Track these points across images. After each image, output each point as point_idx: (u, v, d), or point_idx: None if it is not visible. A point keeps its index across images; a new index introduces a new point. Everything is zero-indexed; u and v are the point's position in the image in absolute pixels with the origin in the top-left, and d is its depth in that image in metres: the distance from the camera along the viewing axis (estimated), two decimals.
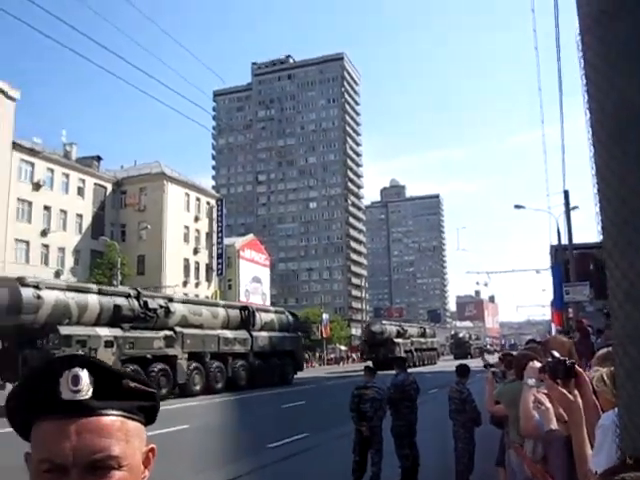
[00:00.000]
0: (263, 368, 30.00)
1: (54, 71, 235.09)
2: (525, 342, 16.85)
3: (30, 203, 55.85)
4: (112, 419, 1.00)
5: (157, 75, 16.66)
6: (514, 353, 8.05)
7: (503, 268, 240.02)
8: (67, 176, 60.04)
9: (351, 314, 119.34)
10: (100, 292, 23.02)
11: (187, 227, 68.07)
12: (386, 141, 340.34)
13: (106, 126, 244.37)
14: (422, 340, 62.55)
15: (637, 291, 1.15)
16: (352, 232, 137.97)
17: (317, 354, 73.69)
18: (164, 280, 60.13)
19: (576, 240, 28.10)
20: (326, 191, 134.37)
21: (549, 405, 3.24)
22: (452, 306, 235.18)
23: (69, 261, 58.29)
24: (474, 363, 27.49)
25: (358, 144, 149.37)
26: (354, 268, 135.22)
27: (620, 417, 1.22)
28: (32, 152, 56.50)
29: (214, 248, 71.92)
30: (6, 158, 53.82)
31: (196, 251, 68.81)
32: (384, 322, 58.57)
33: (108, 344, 21.88)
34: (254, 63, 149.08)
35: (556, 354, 2.47)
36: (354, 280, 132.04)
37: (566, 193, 26.30)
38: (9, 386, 19.23)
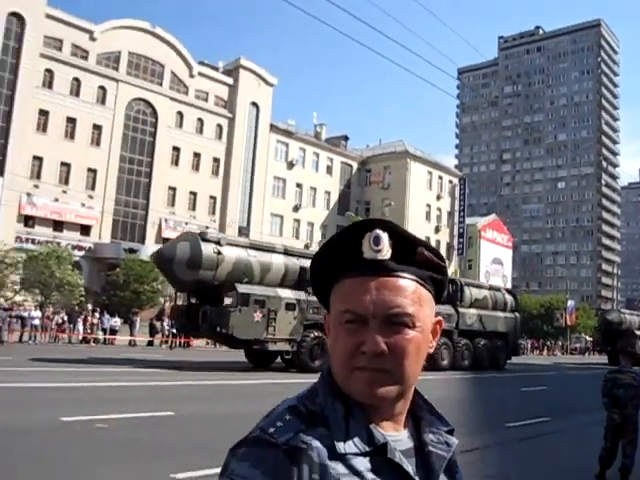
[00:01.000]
0: (469, 348, 27.74)
1: (308, 56, 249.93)
2: None
3: (284, 180, 60.51)
4: (407, 282, 1.05)
5: (400, 56, 16.81)
6: None
7: None
8: (317, 155, 63.76)
9: (600, 303, 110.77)
10: (286, 253, 21.87)
11: (429, 205, 68.45)
12: None
13: (353, 107, 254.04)
14: None
15: None
16: (605, 215, 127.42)
17: (560, 342, 69.75)
18: None
19: None
20: (577, 170, 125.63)
21: None
22: None
23: (317, 235, 62.05)
24: None
25: (615, 119, 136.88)
26: (605, 254, 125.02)
27: None
28: (287, 133, 60.98)
29: (455, 227, 71.46)
30: (265, 139, 58.79)
31: (437, 229, 68.98)
32: (624, 311, 53.06)
33: (289, 307, 20.76)
34: (500, 37, 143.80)
35: None
36: (605, 267, 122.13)
37: None
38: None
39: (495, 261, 78.13)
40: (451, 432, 1.12)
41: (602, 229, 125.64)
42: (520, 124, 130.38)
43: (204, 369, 19.78)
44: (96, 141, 48.86)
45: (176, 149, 53.21)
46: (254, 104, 58.32)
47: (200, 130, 55.13)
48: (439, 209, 70.25)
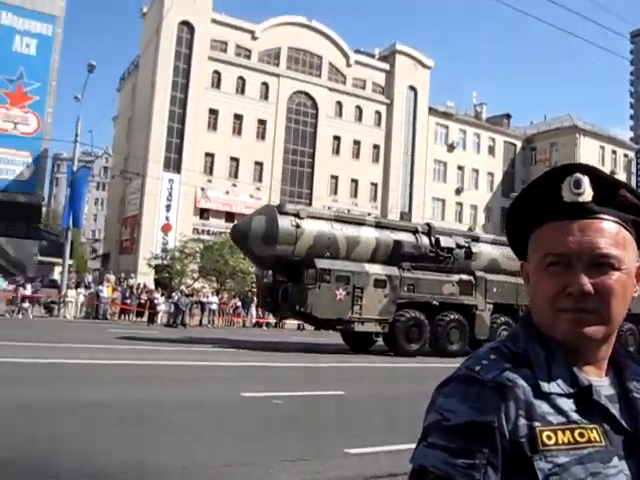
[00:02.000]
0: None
1: (464, 34, 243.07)
2: None
3: (445, 164, 59.49)
4: (610, 224, 1.05)
5: (564, 20, 15.80)
6: None
7: None
8: (478, 136, 61.92)
9: None
10: (378, 225, 20.16)
11: None
12: None
13: (515, 83, 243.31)
14: None
15: None
16: None
17: None
18: None
19: None
20: None
21: None
22: None
23: (480, 218, 60.37)
24: None
25: None
26: None
27: None
28: (446, 115, 59.84)
29: None
30: (424, 123, 58.12)
31: None
32: None
33: (379, 283, 18.99)
34: None
35: None
36: None
37: None
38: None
39: None
40: None
41: None
42: None
43: (338, 351, 20.02)
44: (261, 135, 51.16)
45: (336, 138, 54.24)
46: (412, 88, 57.83)
47: (359, 118, 55.72)
48: None
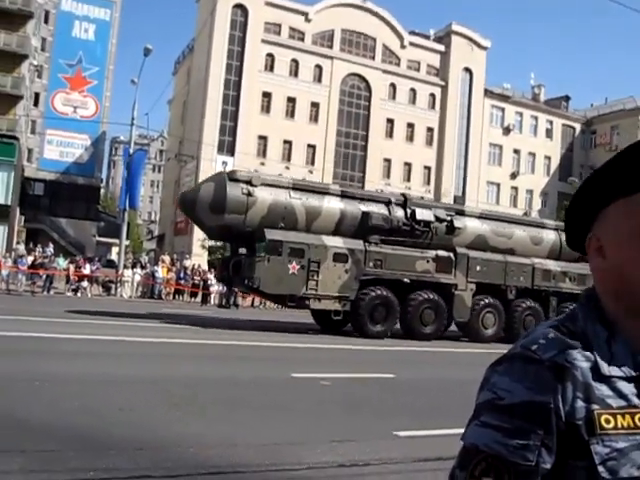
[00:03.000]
0: None
1: (522, 13, 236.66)
2: None
3: (500, 147, 58.30)
4: None
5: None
6: None
7: None
8: (535, 119, 60.40)
9: None
10: (344, 195, 18.30)
11: None
12: None
13: (575, 64, 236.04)
14: None
15: None
16: None
17: None
18: None
19: None
20: None
21: None
22: None
23: (537, 203, 59.06)
24: None
25: None
26: None
27: None
28: (502, 97, 58.56)
29: None
30: (479, 105, 57.04)
31: None
32: None
33: (339, 258, 17.32)
34: None
35: None
36: None
37: None
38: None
39: None
40: None
41: None
42: None
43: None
44: (314, 118, 51.12)
45: (390, 121, 53.78)
46: (467, 70, 56.75)
47: (413, 100, 55.06)
48: None
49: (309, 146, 50.67)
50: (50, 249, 30.80)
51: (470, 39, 57.14)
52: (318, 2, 51.95)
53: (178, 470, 4.68)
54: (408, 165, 54.23)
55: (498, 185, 57.96)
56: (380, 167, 53.11)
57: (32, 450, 4.76)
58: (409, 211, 18.55)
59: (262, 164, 48.17)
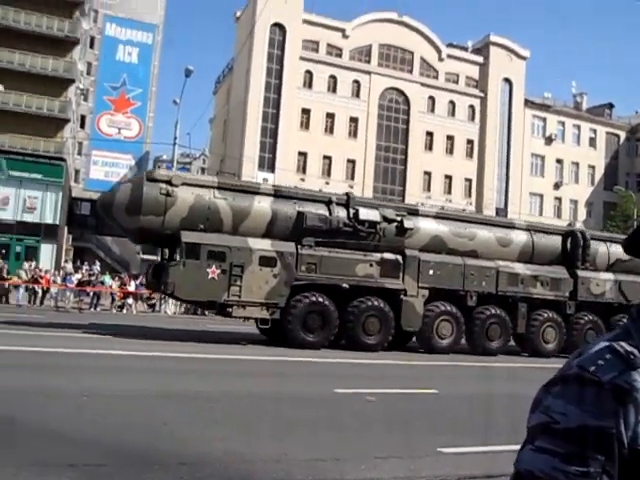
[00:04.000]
0: (596, 328, 19.47)
1: (562, 20, 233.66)
2: None
3: (543, 157, 57.44)
4: None
5: None
6: None
7: None
8: (578, 127, 59.37)
9: None
10: (277, 195, 16.83)
11: None
12: None
13: (618, 70, 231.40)
14: None
15: None
16: None
17: None
18: None
19: None
20: None
21: None
22: None
23: (581, 213, 57.89)
24: None
25: None
26: None
27: None
28: (543, 107, 57.78)
29: None
30: (520, 116, 56.38)
31: None
32: None
33: (266, 261, 15.91)
34: None
35: None
36: None
37: None
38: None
39: None
40: None
41: None
42: None
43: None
44: (353, 133, 51.24)
45: (429, 134, 53.55)
46: (506, 80, 56.20)
47: (452, 113, 54.75)
48: None
49: (349, 161, 50.78)
50: (97, 267, 31.50)
51: (509, 49, 56.64)
52: (355, 18, 52.27)
53: None
54: (449, 178, 53.83)
55: (541, 196, 57.03)
56: (420, 180, 52.84)
57: (80, 464, 4.86)
58: (352, 211, 17.06)
59: (302, 180, 48.42)
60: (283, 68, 49.05)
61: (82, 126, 49.27)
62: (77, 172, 49.56)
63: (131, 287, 28.55)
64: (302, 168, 49.43)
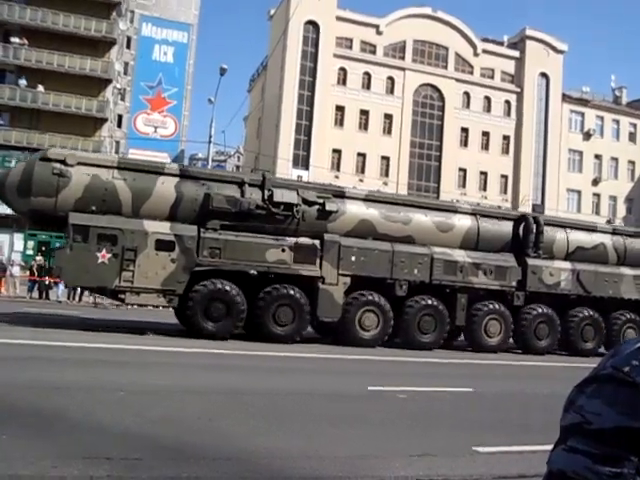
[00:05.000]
0: (550, 322, 18.04)
1: (600, 12, 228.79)
2: None
3: (581, 153, 56.45)
4: None
5: None
6: None
7: None
8: (617, 122, 58.20)
9: None
10: (183, 175, 15.80)
11: None
12: None
13: None
14: None
15: None
16: None
17: None
18: None
19: None
20: None
21: None
22: None
23: (621, 210, 56.75)
24: None
25: None
26: None
27: None
28: (581, 102, 56.74)
29: None
30: (557, 110, 55.49)
31: None
32: None
33: (163, 245, 14.88)
34: None
35: None
36: None
37: None
38: None
39: None
40: None
41: None
42: None
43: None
44: (387, 130, 51.06)
45: (464, 130, 53.06)
46: (543, 75, 55.35)
47: (488, 108, 54.15)
48: None
49: (383, 158, 50.62)
50: None
51: (545, 43, 55.75)
52: (389, 14, 52.02)
53: None
54: (484, 174, 53.27)
55: (579, 192, 56.03)
56: (455, 177, 52.41)
57: (118, 458, 4.94)
58: (267, 193, 15.84)
59: (336, 177, 48.41)
60: (317, 65, 49.10)
61: (119, 125, 50.02)
62: None
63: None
64: (336, 165, 49.44)
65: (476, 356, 16.41)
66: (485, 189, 53.03)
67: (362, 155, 50.00)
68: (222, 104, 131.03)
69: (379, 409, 8.26)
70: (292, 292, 15.57)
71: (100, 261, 14.44)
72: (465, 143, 53.16)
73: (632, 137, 58.42)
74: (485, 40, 55.58)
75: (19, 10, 40.50)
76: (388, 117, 50.98)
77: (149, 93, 49.61)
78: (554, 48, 56.05)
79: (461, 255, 17.46)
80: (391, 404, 8.65)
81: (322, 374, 11.33)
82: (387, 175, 50.46)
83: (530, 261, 18.05)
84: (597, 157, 56.75)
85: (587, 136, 56.37)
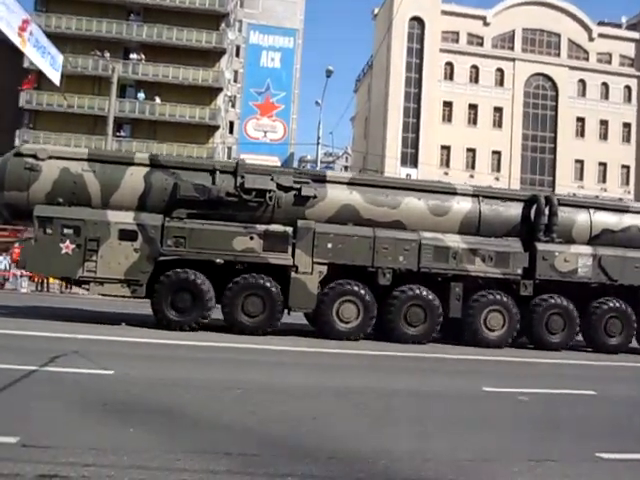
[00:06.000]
0: (566, 314, 16.11)
1: None
2: None
3: None
4: None
5: None
6: None
7: None
8: None
9: None
10: (153, 165, 15.50)
11: None
12: None
13: None
14: None
15: None
16: None
17: None
18: None
19: None
20: None
21: None
22: None
23: None
24: None
25: None
26: None
27: None
28: None
29: None
30: None
31: None
32: None
33: (126, 235, 14.77)
34: None
35: None
36: None
37: None
38: None
39: None
40: None
41: None
42: None
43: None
44: (497, 123, 49.69)
45: (580, 119, 50.70)
46: None
47: (605, 95, 51.42)
48: None
49: (494, 152, 49.28)
50: None
51: None
52: (496, 4, 50.57)
53: None
54: (603, 165, 50.63)
55: None
56: (572, 169, 50.15)
57: (236, 453, 5.11)
58: (240, 180, 15.28)
59: (446, 174, 47.66)
60: (423, 61, 48.57)
61: (231, 131, 51.77)
62: None
63: None
64: (445, 162, 48.68)
65: (597, 357, 15.59)
66: (604, 181, 50.39)
67: (472, 150, 48.92)
68: (329, 106, 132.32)
69: (496, 411, 8.05)
70: (261, 281, 14.94)
71: (64, 252, 14.61)
72: (581, 133, 50.75)
73: None
74: (601, 23, 52.86)
75: (136, 28, 42.86)
76: (498, 110, 49.58)
77: (258, 99, 51.00)
78: None
79: (454, 240, 15.94)
80: (509, 406, 8.40)
81: (432, 374, 11.18)
82: (499, 170, 49.10)
83: (540, 246, 16.17)
84: None
85: None
